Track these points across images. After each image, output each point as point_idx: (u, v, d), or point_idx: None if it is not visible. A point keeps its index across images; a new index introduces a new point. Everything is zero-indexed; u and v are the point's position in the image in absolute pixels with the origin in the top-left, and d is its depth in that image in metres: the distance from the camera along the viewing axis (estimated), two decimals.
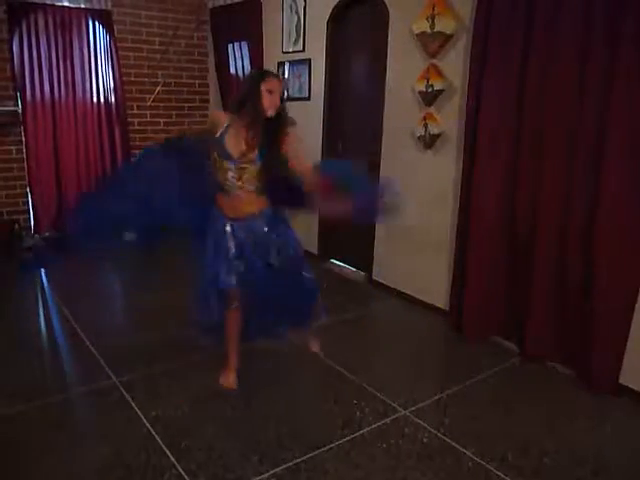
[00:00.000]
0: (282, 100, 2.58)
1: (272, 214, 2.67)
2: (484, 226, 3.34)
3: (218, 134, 2.53)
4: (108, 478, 2.16)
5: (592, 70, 2.77)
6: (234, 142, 2.52)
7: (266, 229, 2.63)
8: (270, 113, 2.51)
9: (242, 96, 2.55)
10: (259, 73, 2.64)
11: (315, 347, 3.19)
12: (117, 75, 5.69)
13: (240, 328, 2.79)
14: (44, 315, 3.80)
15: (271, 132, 2.52)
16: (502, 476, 2.23)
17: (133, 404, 2.66)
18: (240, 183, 2.54)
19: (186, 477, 2.17)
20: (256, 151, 2.51)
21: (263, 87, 2.49)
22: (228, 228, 2.63)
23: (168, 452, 2.31)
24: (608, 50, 2.68)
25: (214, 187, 2.64)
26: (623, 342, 2.83)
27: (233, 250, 2.62)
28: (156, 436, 2.41)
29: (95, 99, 5.69)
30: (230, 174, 2.54)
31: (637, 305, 2.78)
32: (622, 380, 2.87)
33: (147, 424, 2.50)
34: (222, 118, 2.59)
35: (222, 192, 2.61)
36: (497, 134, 3.23)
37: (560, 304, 3.08)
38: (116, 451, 2.32)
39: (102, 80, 5.69)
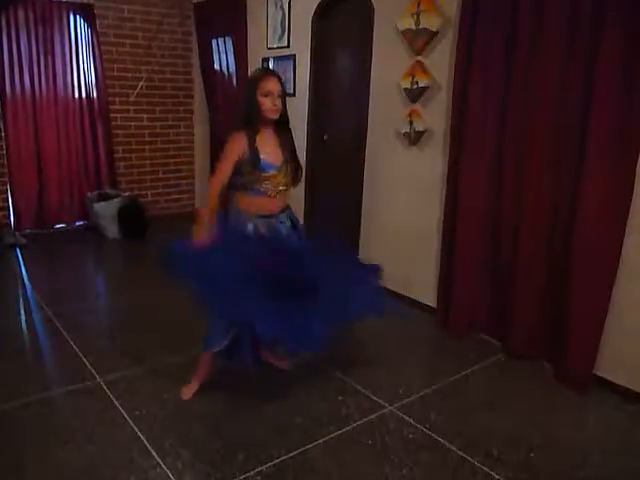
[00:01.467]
0: (283, 97, 2.51)
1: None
2: (470, 223, 3.36)
3: (248, 152, 2.46)
4: (94, 478, 2.14)
5: (576, 68, 2.79)
6: (268, 150, 2.50)
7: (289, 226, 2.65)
8: (272, 116, 2.49)
9: (244, 108, 2.53)
10: (252, 79, 2.57)
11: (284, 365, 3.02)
12: (99, 70, 5.63)
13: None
14: (26, 314, 3.74)
15: (282, 132, 2.58)
16: (487, 471, 2.25)
17: (117, 403, 2.63)
18: (282, 187, 2.56)
19: (171, 476, 2.15)
20: (285, 152, 2.57)
21: (258, 94, 2.44)
22: (251, 227, 2.53)
23: (153, 451, 2.29)
24: (592, 48, 2.70)
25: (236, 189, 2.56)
26: (598, 336, 2.87)
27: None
28: (141, 435, 2.39)
29: (77, 94, 5.63)
30: (272, 181, 2.52)
31: (611, 301, 2.82)
32: (598, 372, 2.91)
33: (131, 423, 2.47)
34: (241, 139, 2.48)
35: (251, 192, 2.53)
36: (482, 131, 3.24)
37: (541, 301, 3.12)
38: (101, 450, 2.29)
39: (84, 75, 5.63)
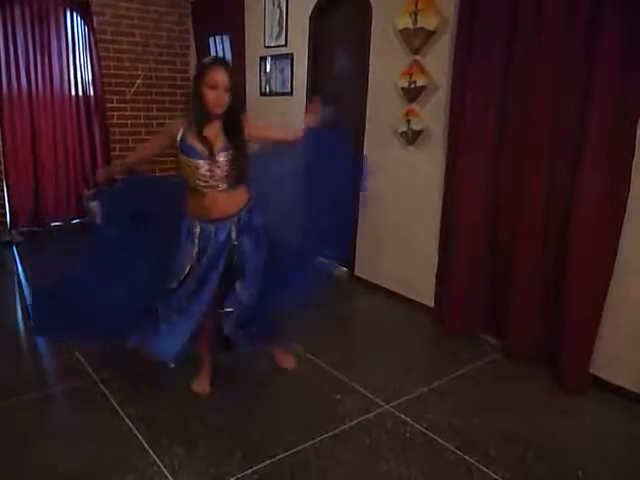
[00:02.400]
0: (231, 90, 2.32)
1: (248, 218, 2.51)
2: (467, 222, 3.36)
3: (179, 136, 2.36)
4: (90, 476, 2.13)
5: (574, 68, 2.79)
6: (198, 139, 2.34)
7: (233, 235, 2.47)
8: (217, 111, 2.32)
9: (190, 98, 2.38)
10: (199, 67, 2.39)
11: (286, 362, 3.01)
12: (96, 68, 5.62)
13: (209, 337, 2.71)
14: (22, 312, 3.73)
15: (229, 125, 2.39)
16: (484, 470, 2.25)
17: (114, 402, 2.62)
18: (216, 183, 2.39)
19: (168, 474, 2.15)
20: (221, 144, 2.37)
21: (204, 85, 2.27)
22: (197, 229, 2.46)
23: (150, 449, 2.29)
24: (590, 48, 2.70)
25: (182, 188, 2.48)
26: (594, 335, 2.88)
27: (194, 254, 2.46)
28: (137, 433, 2.39)
29: (73, 92, 5.61)
30: (200, 172, 2.37)
31: (607, 300, 2.83)
32: (595, 372, 2.92)
33: (128, 422, 2.47)
34: (177, 125, 2.41)
35: (193, 192, 2.45)
36: (480, 131, 3.24)
37: (538, 301, 3.12)
38: (97, 448, 2.29)
39: (81, 73, 5.61)
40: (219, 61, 2.37)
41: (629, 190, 2.69)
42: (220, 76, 2.27)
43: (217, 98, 2.28)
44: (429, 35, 3.53)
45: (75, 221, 5.88)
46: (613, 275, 2.80)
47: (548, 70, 2.89)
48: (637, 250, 2.74)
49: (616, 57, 2.61)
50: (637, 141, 2.65)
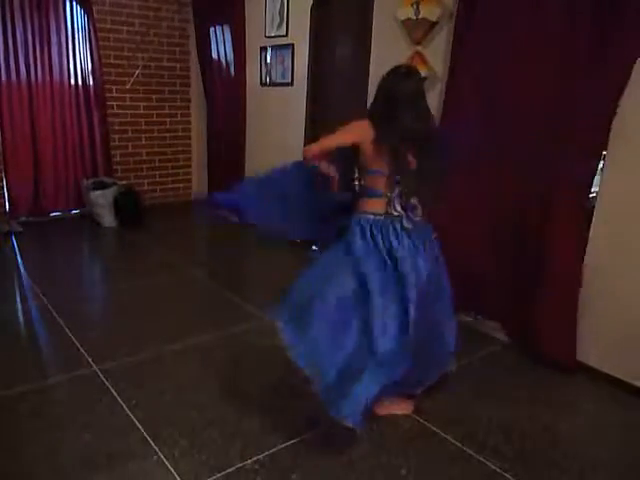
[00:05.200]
0: None
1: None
2: (455, 208, 3.38)
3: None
4: (91, 466, 2.14)
5: (571, 60, 2.79)
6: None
7: None
8: None
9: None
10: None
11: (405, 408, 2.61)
12: (95, 57, 5.59)
13: None
14: (22, 302, 3.73)
15: None
16: (482, 460, 2.26)
17: (114, 392, 2.63)
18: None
19: (168, 464, 2.16)
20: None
21: None
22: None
23: (150, 440, 2.29)
24: (590, 45, 2.70)
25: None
26: (574, 322, 2.94)
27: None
28: (138, 424, 2.40)
29: (73, 81, 5.59)
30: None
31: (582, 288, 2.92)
32: (591, 363, 2.97)
33: (129, 412, 2.48)
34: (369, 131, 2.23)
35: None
36: (475, 120, 3.25)
37: (519, 291, 3.19)
38: (97, 439, 2.29)
39: (80, 62, 5.59)
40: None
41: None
42: None
43: None
44: (431, 26, 3.51)
45: (74, 211, 5.88)
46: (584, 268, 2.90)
47: (548, 63, 2.89)
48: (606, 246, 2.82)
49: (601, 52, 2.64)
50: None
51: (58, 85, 5.50)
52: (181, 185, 6.68)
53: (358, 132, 2.23)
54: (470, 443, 2.37)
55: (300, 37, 4.72)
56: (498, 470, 2.21)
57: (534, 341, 3.12)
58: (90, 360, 2.91)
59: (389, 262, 2.20)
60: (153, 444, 2.27)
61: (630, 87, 2.61)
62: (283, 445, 2.30)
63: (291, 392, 2.73)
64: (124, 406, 2.52)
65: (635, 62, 2.57)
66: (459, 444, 2.36)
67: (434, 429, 2.46)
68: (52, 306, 3.55)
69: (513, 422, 2.54)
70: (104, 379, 2.74)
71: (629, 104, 2.64)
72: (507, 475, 2.18)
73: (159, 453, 2.22)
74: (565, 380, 2.97)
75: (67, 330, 3.23)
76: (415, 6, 3.51)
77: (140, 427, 2.38)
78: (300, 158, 2.35)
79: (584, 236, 2.90)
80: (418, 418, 2.54)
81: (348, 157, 2.34)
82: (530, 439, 2.42)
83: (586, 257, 2.90)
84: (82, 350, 3.01)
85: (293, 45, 4.83)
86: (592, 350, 2.95)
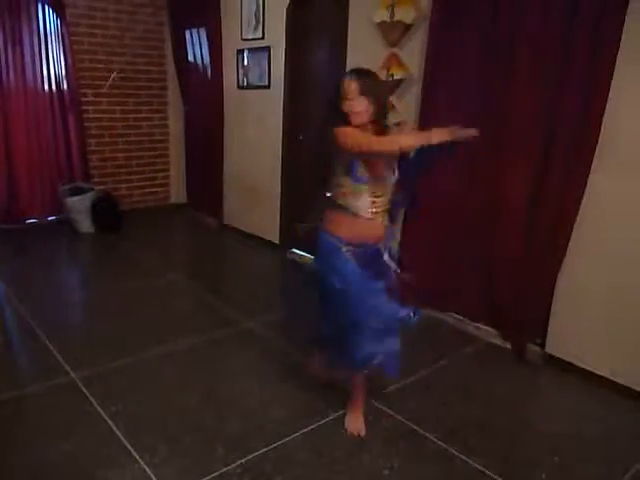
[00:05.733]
0: (372, 101, 2.16)
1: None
2: (433, 208, 3.41)
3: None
4: (70, 476, 2.11)
5: (548, 62, 2.83)
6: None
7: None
8: (356, 122, 2.16)
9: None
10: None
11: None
12: (70, 61, 5.51)
13: None
14: None
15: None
16: (464, 458, 2.28)
17: (93, 400, 2.59)
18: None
19: (150, 471, 2.14)
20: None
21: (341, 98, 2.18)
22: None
23: (130, 447, 2.27)
24: (566, 49, 2.74)
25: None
26: (546, 313, 3.04)
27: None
28: (118, 432, 2.37)
29: (47, 86, 5.50)
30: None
31: (557, 284, 2.99)
32: (569, 359, 3.01)
33: (108, 420, 2.45)
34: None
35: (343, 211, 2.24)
36: (449, 122, 3.28)
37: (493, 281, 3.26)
38: (77, 448, 2.26)
39: (54, 66, 5.49)
40: (348, 73, 2.24)
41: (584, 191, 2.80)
42: (346, 85, 2.16)
43: (348, 107, 2.16)
44: (406, 28, 3.54)
45: (51, 218, 5.79)
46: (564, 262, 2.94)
47: (524, 65, 2.93)
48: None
49: (589, 49, 2.65)
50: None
51: (32, 90, 5.40)
52: (159, 189, 6.61)
53: None
54: (452, 442, 2.39)
55: (276, 40, 4.72)
56: (480, 468, 2.23)
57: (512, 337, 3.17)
58: (68, 368, 2.87)
59: None
60: (134, 451, 2.25)
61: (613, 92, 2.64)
62: (266, 448, 2.29)
63: (273, 395, 2.73)
64: (103, 414, 2.49)
65: (614, 64, 2.60)
66: (441, 443, 2.38)
67: (416, 429, 2.47)
68: (28, 314, 3.49)
69: (494, 420, 2.57)
70: (83, 387, 2.70)
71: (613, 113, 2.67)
72: (489, 473, 2.20)
73: (140, 461, 2.19)
74: (546, 377, 3.01)
75: (45, 337, 3.18)
76: (390, 9, 3.53)
77: (120, 435, 2.35)
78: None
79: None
80: (400, 418, 2.55)
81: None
82: (511, 436, 2.45)
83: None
84: (60, 358, 2.97)
85: (270, 48, 4.82)
86: (573, 345, 2.99)
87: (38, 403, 2.60)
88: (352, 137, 2.11)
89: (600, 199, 2.78)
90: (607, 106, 2.66)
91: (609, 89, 2.64)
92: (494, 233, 3.22)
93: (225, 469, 2.16)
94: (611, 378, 2.83)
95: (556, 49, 2.79)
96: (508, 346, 3.27)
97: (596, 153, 2.73)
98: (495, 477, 2.18)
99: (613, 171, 2.73)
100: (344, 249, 2.22)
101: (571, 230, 2.88)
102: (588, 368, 2.93)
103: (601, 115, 2.67)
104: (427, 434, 2.44)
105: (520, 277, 3.12)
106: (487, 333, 3.41)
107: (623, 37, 2.56)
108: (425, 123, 3.36)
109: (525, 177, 3.01)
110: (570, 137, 2.78)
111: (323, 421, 2.50)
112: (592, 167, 2.75)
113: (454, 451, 2.33)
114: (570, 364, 3.00)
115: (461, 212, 3.37)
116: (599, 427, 2.57)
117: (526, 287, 3.09)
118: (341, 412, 2.56)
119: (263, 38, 4.88)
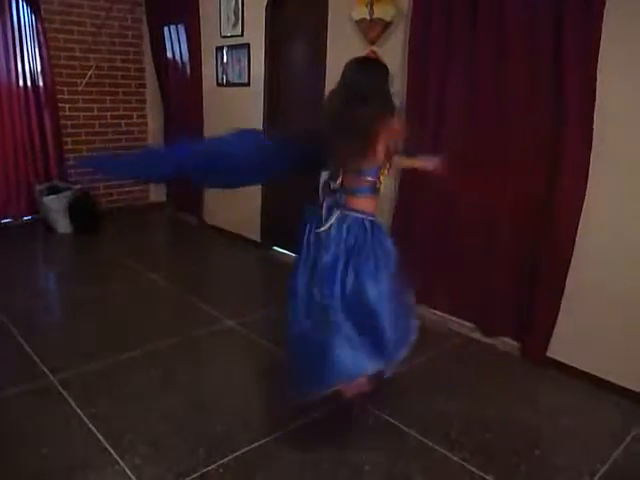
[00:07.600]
0: None
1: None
2: (419, 216, 3.42)
3: None
4: (50, 478, 2.08)
5: (533, 56, 2.84)
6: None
7: None
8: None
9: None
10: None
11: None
12: (45, 58, 5.41)
13: None
14: None
15: None
16: (445, 452, 2.30)
17: (72, 402, 2.56)
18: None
19: (130, 473, 2.11)
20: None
21: None
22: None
23: (110, 449, 2.24)
24: (555, 47, 2.75)
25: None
26: (553, 320, 2.98)
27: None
28: (97, 433, 2.34)
29: (22, 83, 5.39)
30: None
31: (567, 288, 2.93)
32: (554, 355, 3.03)
33: (87, 422, 2.41)
34: None
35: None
36: (431, 122, 3.30)
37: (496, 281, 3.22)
38: (56, 451, 2.23)
39: (29, 63, 5.39)
40: None
41: (586, 189, 2.78)
42: None
43: None
44: (385, 26, 3.54)
45: (27, 218, 5.69)
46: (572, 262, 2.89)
47: (506, 62, 2.95)
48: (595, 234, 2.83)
49: (578, 49, 2.66)
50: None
51: (5, 87, 5.29)
52: (137, 188, 6.54)
53: None
54: (433, 437, 2.40)
55: (256, 37, 4.69)
56: (460, 462, 2.25)
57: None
58: (46, 370, 2.82)
59: None
60: (114, 453, 2.22)
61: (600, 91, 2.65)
62: (248, 447, 2.28)
63: (255, 394, 2.72)
64: (83, 416, 2.46)
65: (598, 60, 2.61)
66: (422, 438, 2.39)
67: (398, 424, 2.49)
68: (4, 315, 3.43)
69: (475, 415, 2.59)
70: (61, 389, 2.66)
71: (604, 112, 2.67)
72: (469, 466, 2.23)
73: (120, 462, 2.17)
74: (527, 373, 3.05)
75: (21, 339, 3.13)
76: (369, 6, 3.54)
77: (100, 437, 2.32)
78: None
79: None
80: (381, 414, 2.56)
81: None
82: (492, 430, 2.47)
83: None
84: (37, 360, 2.92)
85: (249, 45, 4.79)
86: (563, 345, 3.01)
87: (15, 406, 2.56)
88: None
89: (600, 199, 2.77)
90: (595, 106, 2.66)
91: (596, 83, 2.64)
92: (491, 233, 3.20)
93: (206, 469, 2.15)
94: (594, 373, 2.87)
95: (541, 47, 2.79)
96: (489, 341, 3.30)
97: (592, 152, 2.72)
98: (474, 470, 2.20)
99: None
100: None
101: (575, 233, 2.84)
102: (565, 361, 2.97)
103: (591, 113, 2.67)
104: (408, 429, 2.45)
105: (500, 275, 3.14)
106: (467, 328, 3.44)
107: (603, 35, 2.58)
108: (408, 120, 3.37)
109: (513, 177, 3.00)
110: (561, 134, 2.78)
111: (306, 420, 2.50)
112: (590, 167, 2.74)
113: (435, 446, 2.34)
114: (548, 357, 3.04)
115: (458, 212, 3.35)
116: (582, 422, 2.60)
117: (510, 285, 3.11)
118: (325, 411, 2.56)
119: (242, 35, 4.85)
